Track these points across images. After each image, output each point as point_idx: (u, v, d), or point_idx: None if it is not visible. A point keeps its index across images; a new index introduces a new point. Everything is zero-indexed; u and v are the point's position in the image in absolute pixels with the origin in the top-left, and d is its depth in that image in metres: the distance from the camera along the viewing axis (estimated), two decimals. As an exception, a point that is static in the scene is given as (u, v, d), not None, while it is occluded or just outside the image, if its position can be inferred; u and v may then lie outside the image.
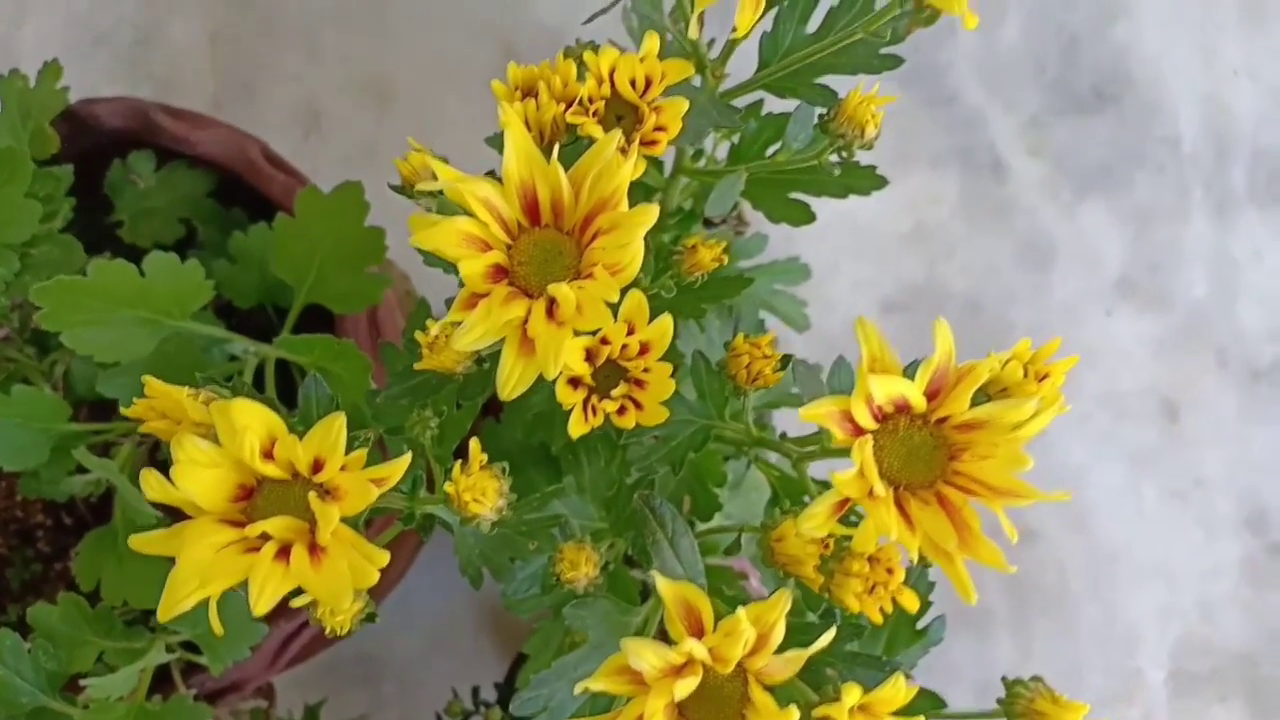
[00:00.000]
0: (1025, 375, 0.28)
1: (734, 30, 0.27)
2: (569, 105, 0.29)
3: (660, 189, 0.42)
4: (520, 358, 0.27)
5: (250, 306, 0.57)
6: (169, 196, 0.58)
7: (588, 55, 0.29)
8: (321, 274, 0.49)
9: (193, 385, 0.50)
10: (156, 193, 0.58)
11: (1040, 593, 0.74)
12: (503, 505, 0.29)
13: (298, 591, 0.27)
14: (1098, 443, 0.76)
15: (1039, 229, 0.79)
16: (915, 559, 0.25)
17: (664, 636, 0.30)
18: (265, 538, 0.26)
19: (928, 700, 0.35)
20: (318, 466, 0.27)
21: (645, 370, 0.29)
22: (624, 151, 0.28)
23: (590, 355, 0.29)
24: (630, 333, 0.29)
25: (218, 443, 0.27)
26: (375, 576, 0.26)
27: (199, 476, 0.26)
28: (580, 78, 0.29)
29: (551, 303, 0.27)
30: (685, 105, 0.29)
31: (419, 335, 0.30)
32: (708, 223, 0.51)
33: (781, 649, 0.27)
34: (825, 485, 0.40)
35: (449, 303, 0.36)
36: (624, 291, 0.28)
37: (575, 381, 0.29)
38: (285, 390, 0.55)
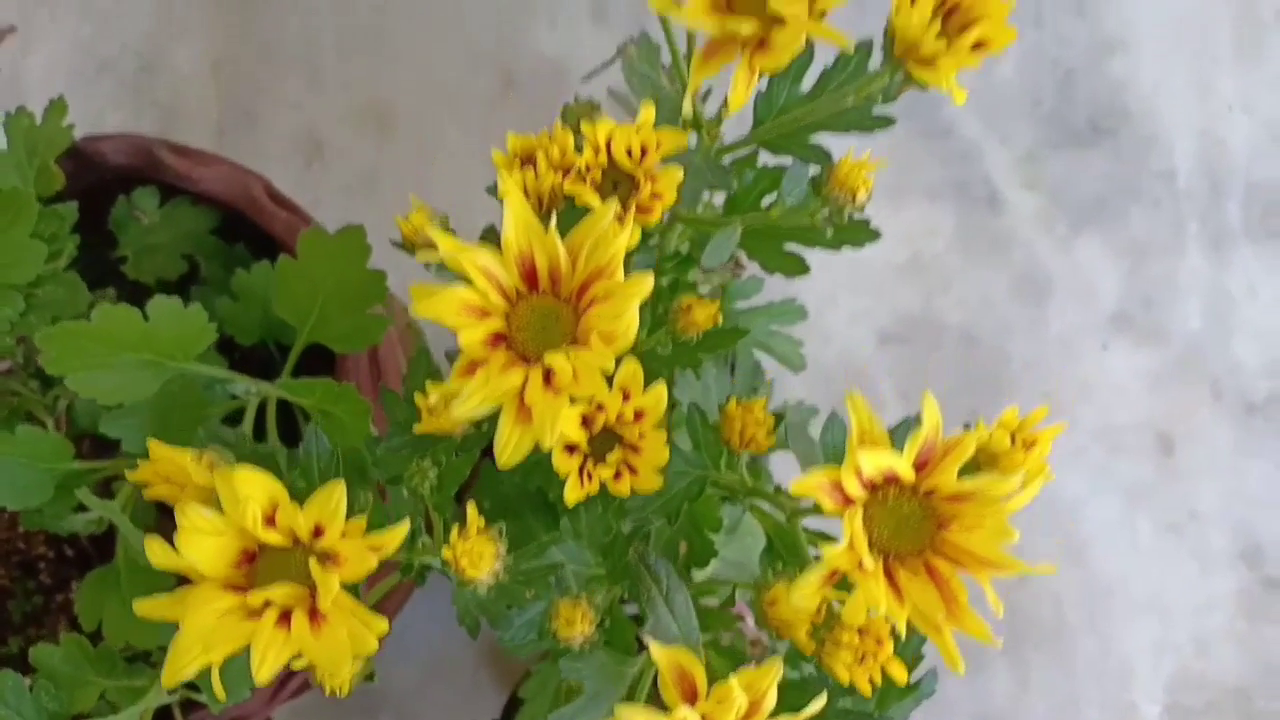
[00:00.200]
0: (1013, 443, 0.29)
1: (726, 103, 0.28)
2: (567, 173, 0.30)
3: (658, 234, 0.43)
4: (517, 425, 0.28)
5: (252, 343, 0.58)
6: (172, 233, 0.58)
7: (585, 126, 0.29)
8: (323, 314, 0.50)
9: (196, 425, 0.50)
10: (160, 229, 0.58)
11: (1036, 626, 0.75)
12: (499, 568, 0.29)
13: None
14: (1093, 476, 0.76)
15: (1035, 262, 0.79)
16: (903, 632, 0.26)
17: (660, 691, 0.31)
18: (267, 604, 0.27)
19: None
20: (318, 532, 0.27)
21: (640, 436, 0.30)
22: (620, 219, 0.29)
23: (586, 421, 0.29)
24: (626, 399, 0.29)
25: (220, 508, 0.27)
26: (375, 644, 0.26)
27: (202, 544, 0.26)
28: (578, 147, 0.30)
29: (548, 371, 0.28)
30: (680, 174, 0.30)
31: (418, 399, 0.31)
32: (705, 263, 0.52)
33: (775, 711, 0.27)
34: (819, 535, 0.40)
35: (449, 356, 0.37)
36: (619, 359, 0.28)
37: (571, 447, 0.29)
38: (286, 424, 0.56)
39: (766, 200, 0.43)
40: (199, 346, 0.47)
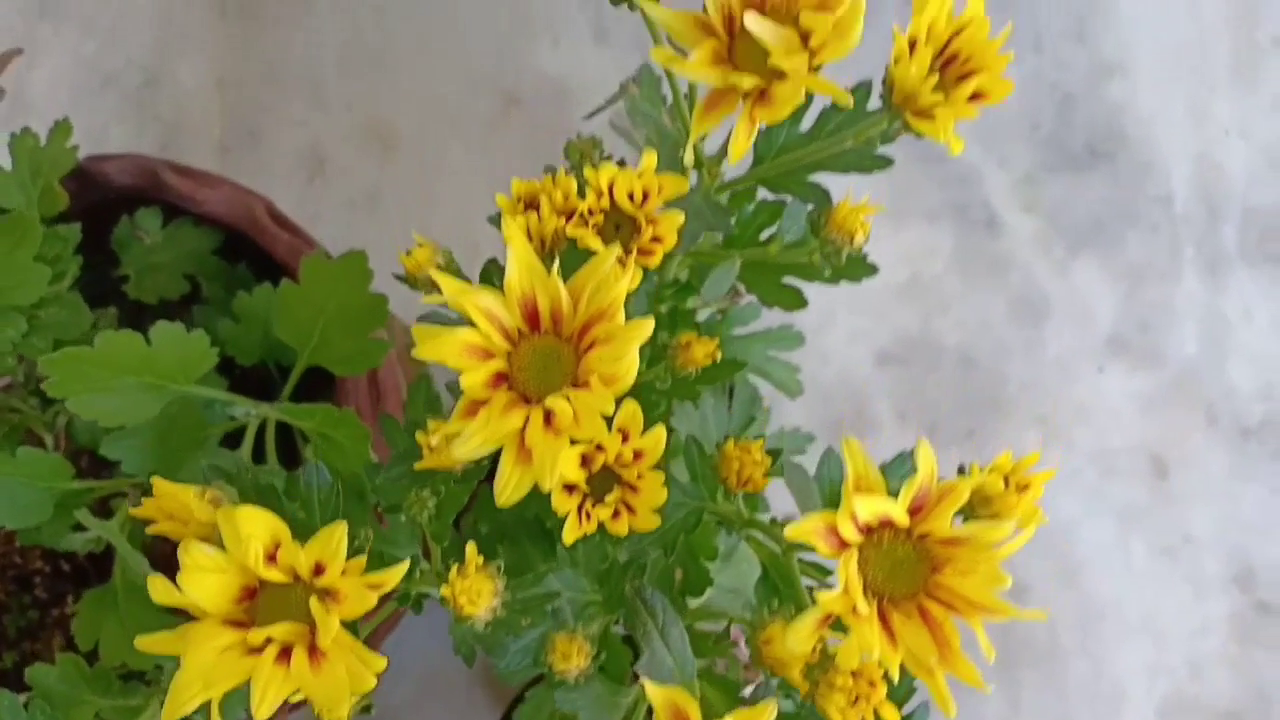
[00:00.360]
0: (1006, 486, 0.29)
1: (727, 147, 0.28)
2: (570, 217, 0.30)
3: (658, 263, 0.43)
4: (518, 466, 0.28)
5: (252, 363, 0.58)
6: (175, 253, 0.59)
7: (588, 171, 0.30)
8: (324, 338, 0.50)
9: (196, 447, 0.51)
10: (162, 249, 0.59)
11: (1029, 647, 0.75)
12: (497, 604, 0.30)
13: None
14: (1088, 498, 0.77)
15: (1032, 285, 0.80)
16: (895, 677, 0.26)
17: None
18: (268, 641, 0.27)
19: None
20: (319, 570, 0.28)
21: (639, 476, 0.30)
22: (622, 263, 0.29)
23: (586, 461, 0.30)
24: (625, 440, 0.30)
25: (222, 545, 0.28)
26: (373, 682, 0.27)
27: (205, 582, 0.27)
28: (581, 193, 0.30)
29: (549, 413, 0.28)
30: (681, 219, 0.30)
31: (420, 437, 0.31)
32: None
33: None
34: (813, 567, 0.41)
35: (450, 388, 0.37)
36: (619, 400, 0.29)
37: (570, 487, 0.30)
38: (286, 443, 0.56)
39: (766, 233, 0.43)
40: (200, 370, 0.48)
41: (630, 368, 0.28)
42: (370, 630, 0.40)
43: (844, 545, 0.27)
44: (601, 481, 0.30)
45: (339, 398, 0.56)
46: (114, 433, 0.48)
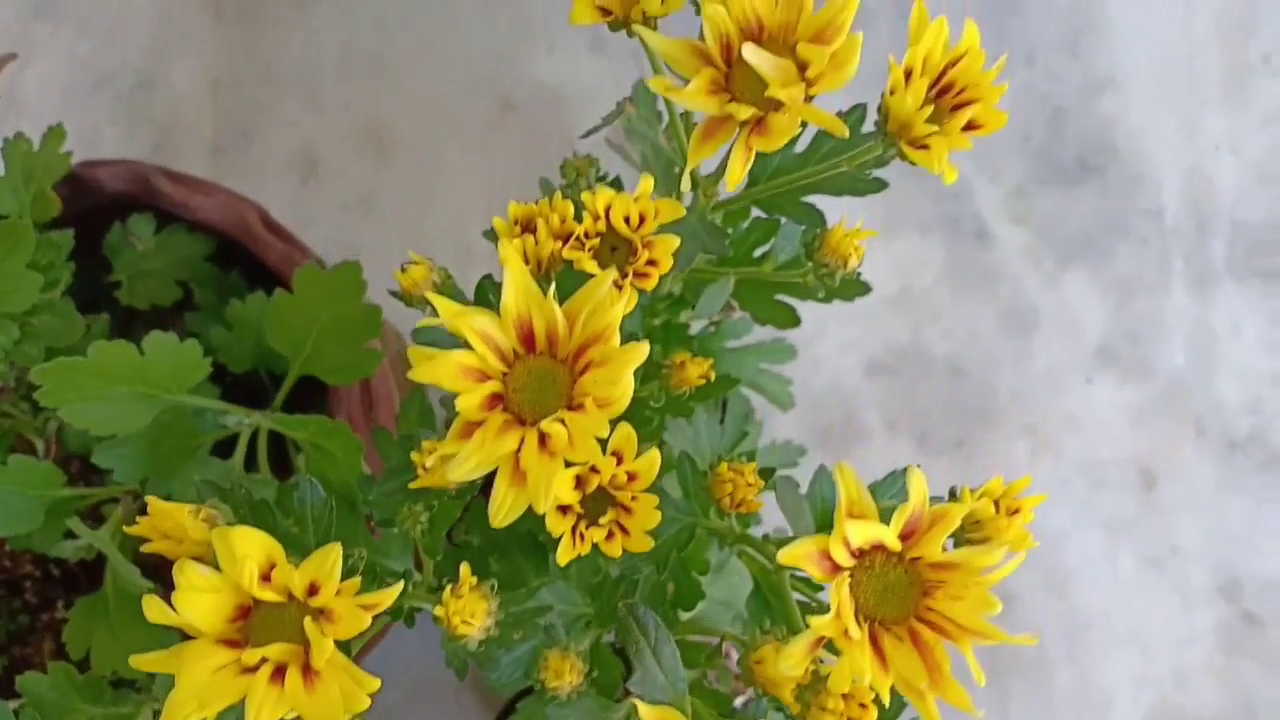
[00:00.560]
0: (997, 510, 0.30)
1: (723, 167, 0.29)
2: (566, 240, 0.30)
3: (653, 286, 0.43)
4: (512, 487, 0.28)
5: (244, 370, 0.58)
6: (167, 259, 0.58)
7: (585, 195, 0.30)
8: (317, 348, 0.50)
9: (188, 456, 0.51)
10: (155, 255, 0.58)
11: (1017, 657, 0.75)
12: (490, 624, 0.30)
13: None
14: (1076, 509, 0.77)
15: (1022, 296, 0.80)
16: (886, 700, 0.26)
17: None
18: (262, 661, 0.27)
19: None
20: (313, 591, 0.28)
21: (633, 498, 0.30)
22: (618, 286, 0.29)
23: (580, 482, 0.30)
24: (619, 462, 0.30)
25: (216, 565, 0.28)
26: (366, 702, 0.27)
27: (199, 602, 0.27)
28: (577, 216, 0.30)
29: (544, 435, 0.28)
30: (676, 242, 0.30)
31: (415, 457, 0.31)
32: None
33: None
34: (804, 582, 0.41)
35: (445, 403, 0.37)
36: (614, 422, 0.29)
37: (565, 508, 0.30)
38: (278, 449, 0.56)
39: (760, 250, 0.43)
40: (192, 380, 0.48)
41: (625, 391, 0.28)
42: (364, 642, 0.41)
43: (836, 569, 0.27)
44: (596, 503, 0.30)
45: (332, 406, 0.56)
46: (106, 441, 0.48)
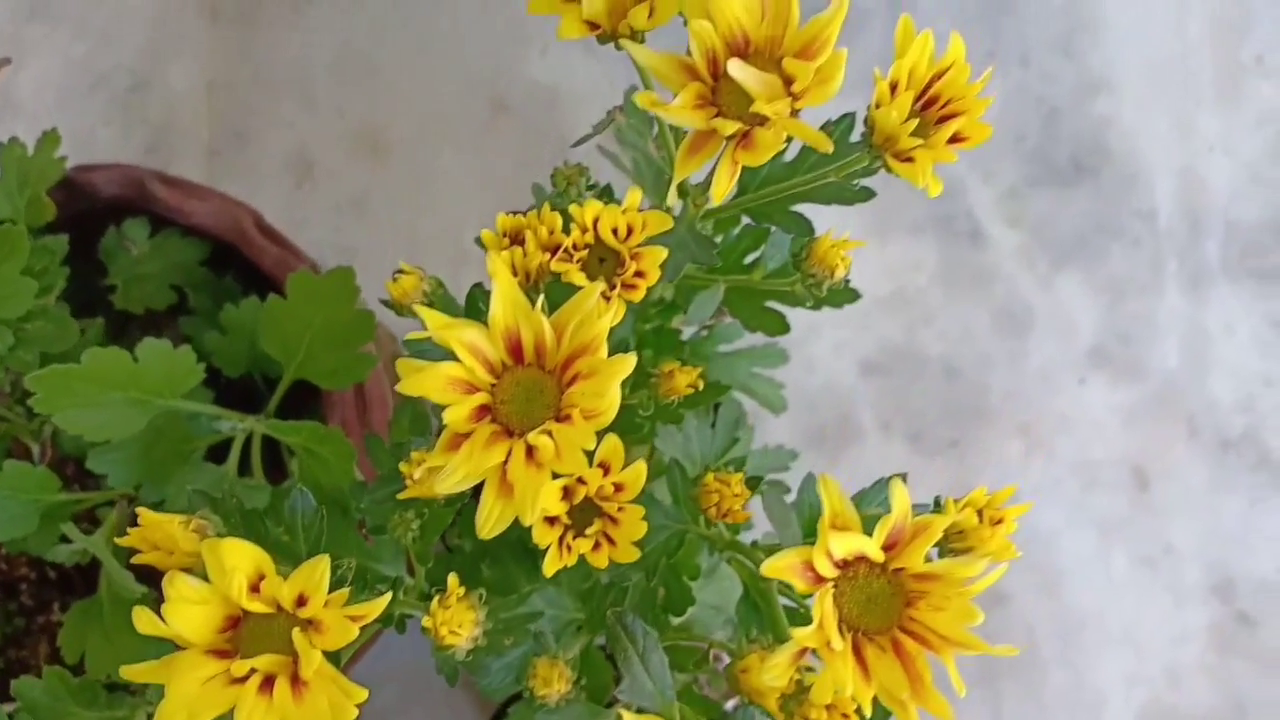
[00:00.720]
0: (980, 520, 0.30)
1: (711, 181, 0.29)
2: (554, 252, 0.31)
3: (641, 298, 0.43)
4: (500, 499, 0.29)
5: (239, 374, 0.58)
6: (162, 263, 0.59)
7: (573, 208, 0.30)
8: (310, 353, 0.51)
9: (182, 460, 0.51)
10: (149, 259, 0.59)
11: (1009, 657, 0.76)
12: (478, 634, 0.30)
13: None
14: (1069, 509, 0.78)
15: (1016, 297, 0.80)
16: (868, 711, 0.27)
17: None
18: (251, 671, 0.27)
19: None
20: (302, 602, 0.28)
21: (620, 509, 0.31)
22: (606, 298, 0.29)
23: (567, 493, 0.30)
24: (606, 473, 0.30)
25: (206, 576, 0.28)
26: (354, 712, 0.27)
27: (189, 613, 0.27)
28: (566, 229, 0.31)
29: (531, 447, 0.28)
30: (664, 254, 0.31)
31: (403, 467, 0.32)
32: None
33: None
34: (791, 589, 0.41)
35: (436, 409, 0.37)
36: (601, 432, 0.29)
37: (552, 519, 0.30)
38: (272, 452, 0.56)
39: (750, 257, 0.43)
40: (186, 386, 0.48)
41: (612, 403, 0.28)
42: (356, 648, 0.41)
43: (820, 581, 0.28)
44: (583, 513, 0.31)
45: (326, 410, 0.56)
46: (100, 447, 0.48)
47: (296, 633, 0.28)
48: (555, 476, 0.29)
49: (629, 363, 0.28)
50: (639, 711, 0.30)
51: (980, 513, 0.30)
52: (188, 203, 0.58)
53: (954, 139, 0.29)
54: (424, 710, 0.74)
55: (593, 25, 0.30)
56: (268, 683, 0.28)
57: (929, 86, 0.29)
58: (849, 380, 0.80)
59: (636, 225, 0.30)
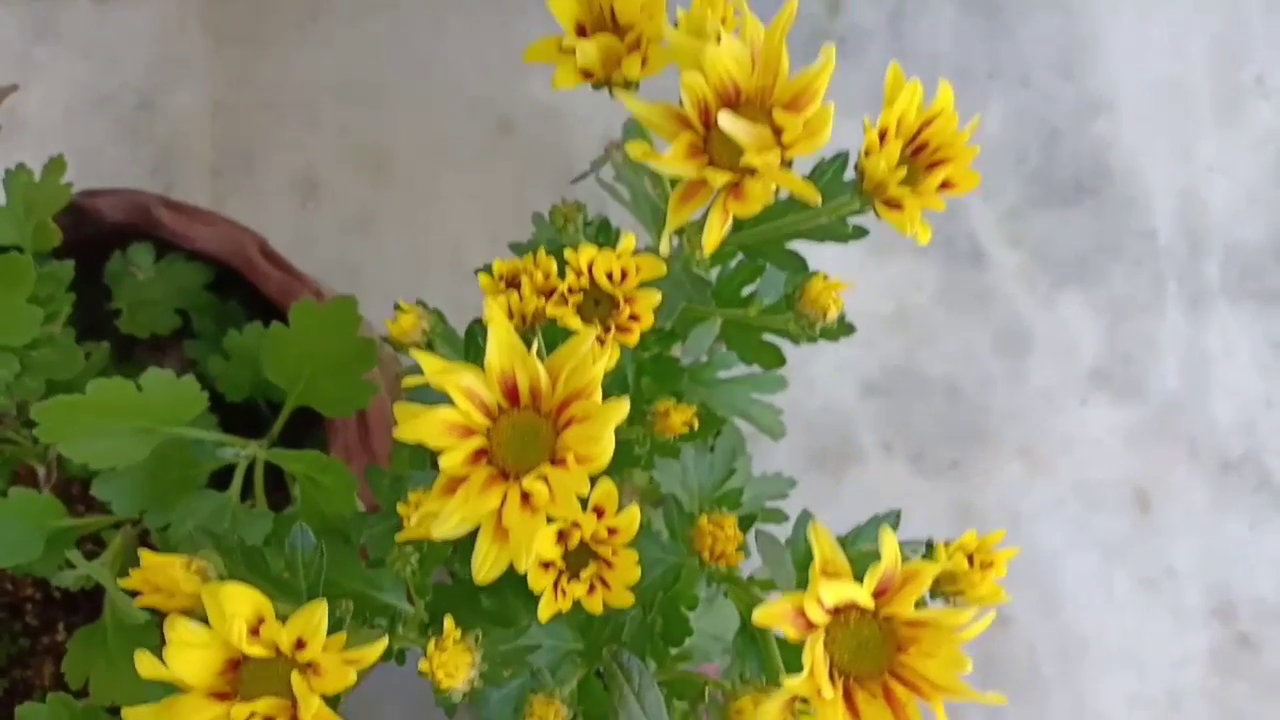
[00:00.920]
0: (970, 564, 0.30)
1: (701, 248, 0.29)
2: (550, 295, 0.31)
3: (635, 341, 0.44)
4: (495, 543, 0.29)
5: (242, 399, 0.59)
6: (167, 288, 0.59)
7: (568, 252, 0.31)
8: (313, 380, 0.51)
9: (186, 487, 0.51)
10: (155, 284, 0.59)
11: (1011, 678, 0.76)
12: (474, 675, 0.31)
13: None
14: (1071, 530, 0.78)
15: (1017, 317, 0.80)
16: (859, 758, 0.27)
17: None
18: (251, 715, 0.28)
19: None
20: (300, 645, 0.29)
21: (614, 553, 0.31)
22: (601, 341, 0.30)
23: (562, 537, 0.30)
24: (600, 517, 0.30)
25: (206, 618, 0.28)
26: (351, 755, 0.27)
27: (190, 657, 0.28)
28: (561, 273, 0.31)
29: (526, 492, 0.29)
30: (658, 298, 0.31)
31: (401, 509, 0.32)
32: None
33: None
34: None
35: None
36: (594, 478, 0.30)
37: (546, 564, 0.31)
38: (275, 478, 0.57)
39: (747, 289, 0.44)
40: (190, 414, 0.48)
41: (606, 449, 0.29)
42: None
43: (811, 627, 0.28)
44: (577, 556, 0.31)
45: (328, 435, 0.57)
46: (105, 474, 0.49)
47: (295, 676, 0.28)
48: (550, 521, 0.29)
49: (622, 408, 0.29)
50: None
51: (971, 557, 0.30)
52: (192, 228, 0.58)
53: (943, 185, 0.29)
54: (425, 729, 0.74)
55: (587, 74, 0.31)
56: (267, 725, 0.28)
57: (918, 133, 0.29)
58: (850, 401, 0.80)
59: (630, 270, 0.31)
